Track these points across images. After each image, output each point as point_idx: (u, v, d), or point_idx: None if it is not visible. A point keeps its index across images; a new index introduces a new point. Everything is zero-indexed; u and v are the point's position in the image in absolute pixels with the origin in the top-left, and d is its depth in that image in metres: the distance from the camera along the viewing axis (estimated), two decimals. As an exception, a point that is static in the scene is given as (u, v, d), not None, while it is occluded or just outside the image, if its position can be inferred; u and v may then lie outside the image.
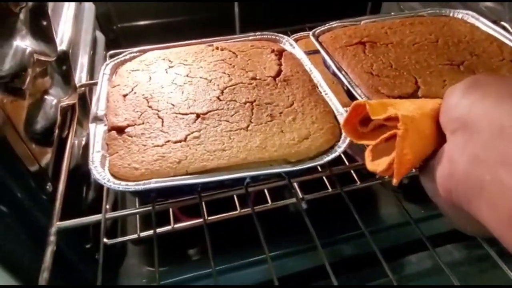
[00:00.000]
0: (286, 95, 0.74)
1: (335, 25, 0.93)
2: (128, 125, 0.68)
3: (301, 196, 0.93)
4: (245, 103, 0.72)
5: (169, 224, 0.88)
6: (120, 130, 0.67)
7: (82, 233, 0.80)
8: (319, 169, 0.74)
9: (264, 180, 0.69)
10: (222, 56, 0.87)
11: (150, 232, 0.88)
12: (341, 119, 0.69)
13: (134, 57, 0.89)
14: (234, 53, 0.88)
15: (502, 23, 0.94)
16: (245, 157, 0.61)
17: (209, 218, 0.85)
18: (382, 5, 1.61)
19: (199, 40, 0.94)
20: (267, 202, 0.92)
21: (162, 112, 0.70)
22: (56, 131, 0.71)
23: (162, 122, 0.68)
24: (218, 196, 0.70)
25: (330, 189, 0.92)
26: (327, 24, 0.93)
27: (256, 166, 0.61)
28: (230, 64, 0.84)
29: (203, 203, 0.67)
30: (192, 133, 0.65)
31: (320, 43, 0.87)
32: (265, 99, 0.73)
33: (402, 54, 0.80)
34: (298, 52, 0.88)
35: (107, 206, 0.69)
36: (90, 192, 0.85)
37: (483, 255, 0.89)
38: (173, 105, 0.72)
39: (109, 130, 0.68)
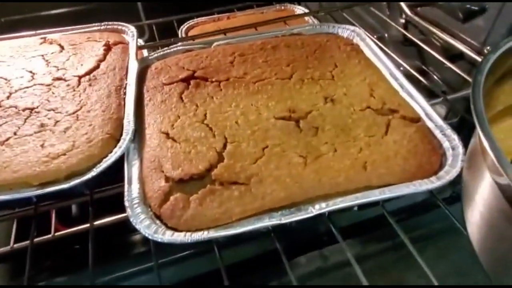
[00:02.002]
0: (79, 99, 0.63)
1: (179, 48, 0.76)
2: None
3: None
4: (24, 109, 0.61)
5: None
6: None
7: None
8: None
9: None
10: (44, 51, 0.76)
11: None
12: (128, 126, 0.57)
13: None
14: (62, 47, 0.77)
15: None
16: (-27, 180, 0.50)
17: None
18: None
19: (34, 32, 0.83)
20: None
21: None
22: None
23: None
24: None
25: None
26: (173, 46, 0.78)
27: (-5, 190, 0.50)
28: (46, 61, 0.73)
29: None
30: None
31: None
32: (52, 104, 0.62)
33: (229, 99, 0.61)
34: (133, 45, 0.76)
35: None
36: None
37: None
38: None
39: None
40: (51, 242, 0.69)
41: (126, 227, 0.54)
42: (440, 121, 0.55)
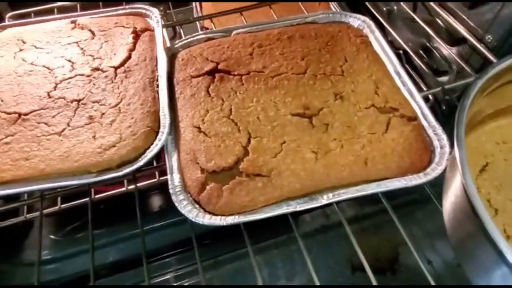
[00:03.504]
0: (118, 91, 0.71)
1: (201, 36, 0.82)
2: (-51, 126, 0.67)
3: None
4: (72, 101, 0.70)
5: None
6: None
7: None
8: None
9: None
10: (77, 38, 0.82)
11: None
12: (164, 120, 0.67)
13: (-9, 36, 0.85)
14: (93, 33, 0.83)
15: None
16: (43, 168, 0.61)
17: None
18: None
19: (63, 15, 0.89)
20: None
21: (-11, 110, 0.69)
22: None
23: (-16, 122, 0.68)
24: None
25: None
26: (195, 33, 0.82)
27: (57, 177, 0.61)
28: (82, 49, 0.80)
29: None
30: (6, 137, 0.65)
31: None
32: (96, 96, 0.71)
33: (251, 94, 0.68)
34: (159, 33, 0.82)
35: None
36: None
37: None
38: (2, 101, 0.71)
39: None
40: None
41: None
42: (434, 121, 0.64)
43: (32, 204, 0.91)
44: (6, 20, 1.15)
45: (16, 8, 1.19)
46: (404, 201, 1.04)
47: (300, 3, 1.01)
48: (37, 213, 0.92)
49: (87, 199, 0.68)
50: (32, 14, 1.14)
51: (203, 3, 1.21)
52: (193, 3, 1.20)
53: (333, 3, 1.12)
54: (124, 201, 0.77)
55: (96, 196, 0.83)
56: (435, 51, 1.10)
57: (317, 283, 0.58)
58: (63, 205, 0.92)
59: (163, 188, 0.70)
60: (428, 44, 1.12)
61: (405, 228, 0.65)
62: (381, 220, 1.06)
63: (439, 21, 1.04)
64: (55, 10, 1.10)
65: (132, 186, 0.72)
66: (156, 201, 1.03)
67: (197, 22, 1.15)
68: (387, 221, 1.11)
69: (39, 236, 0.64)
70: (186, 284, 0.97)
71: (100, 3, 0.98)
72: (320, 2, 1.21)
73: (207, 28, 1.15)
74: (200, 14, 1.18)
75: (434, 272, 0.98)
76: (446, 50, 1.00)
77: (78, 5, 1.06)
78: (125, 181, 0.91)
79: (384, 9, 1.22)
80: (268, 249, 1.03)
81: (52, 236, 1.04)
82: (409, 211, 1.05)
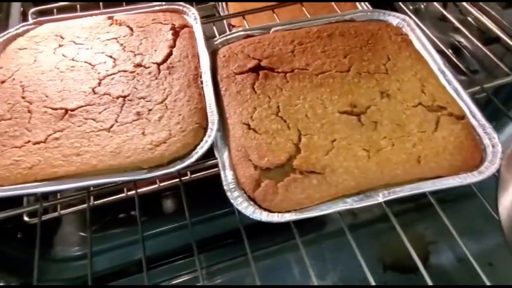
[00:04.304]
0: (163, 88, 0.71)
1: (240, 33, 0.82)
2: (-5, 121, 0.67)
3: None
4: (118, 97, 0.70)
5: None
6: (-13, 126, 0.67)
7: None
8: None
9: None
10: (117, 34, 0.82)
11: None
12: (212, 116, 0.67)
13: (27, 31, 0.85)
14: (131, 29, 0.83)
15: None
16: (96, 164, 0.61)
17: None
18: None
19: (99, 11, 0.88)
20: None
21: (34, 105, 0.69)
22: None
23: (30, 118, 0.67)
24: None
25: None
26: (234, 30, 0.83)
27: (108, 172, 0.61)
28: (122, 45, 0.79)
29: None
30: (55, 132, 0.65)
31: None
32: (141, 92, 0.70)
33: (297, 92, 0.68)
34: (198, 29, 0.82)
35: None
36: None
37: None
38: (47, 96, 0.70)
39: (-24, 125, 0.67)
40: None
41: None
42: (483, 120, 0.64)
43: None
44: (29, 16, 1.15)
45: (38, 4, 1.19)
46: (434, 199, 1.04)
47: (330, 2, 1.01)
48: (71, 209, 0.92)
49: (133, 192, 0.69)
50: (55, 11, 1.14)
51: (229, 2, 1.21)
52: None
53: (361, 2, 1.12)
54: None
55: (139, 190, 0.83)
56: (464, 50, 1.10)
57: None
58: (98, 201, 0.92)
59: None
60: (456, 43, 1.12)
61: (435, 226, 0.66)
62: (410, 219, 1.06)
63: (470, 20, 1.04)
64: (78, 6, 1.11)
65: (176, 180, 0.72)
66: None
67: (224, 20, 1.15)
68: (415, 220, 1.12)
69: (89, 231, 0.64)
70: (218, 281, 0.97)
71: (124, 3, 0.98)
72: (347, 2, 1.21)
73: (233, 26, 1.15)
74: (226, 12, 1.19)
75: (465, 270, 0.98)
76: (478, 49, 1.00)
77: (101, 4, 1.07)
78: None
79: (411, 7, 1.22)
80: (297, 248, 1.03)
81: (81, 233, 1.05)
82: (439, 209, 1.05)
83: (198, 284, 0.96)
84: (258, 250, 1.02)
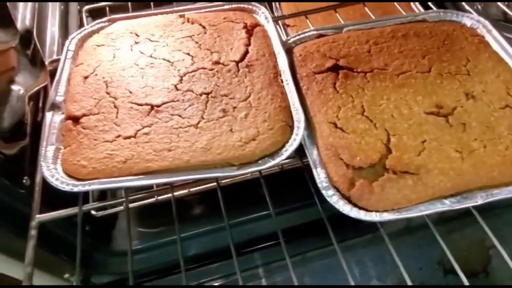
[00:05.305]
0: (244, 85, 0.72)
1: (312, 32, 0.82)
2: (84, 115, 0.68)
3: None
4: (201, 94, 0.70)
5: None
6: (76, 119, 0.68)
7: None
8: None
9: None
10: (190, 32, 0.83)
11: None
12: (297, 115, 0.67)
13: (102, 28, 0.86)
14: (204, 27, 0.84)
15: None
16: (188, 159, 0.62)
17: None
18: None
19: (171, 9, 0.89)
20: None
21: (119, 101, 0.70)
22: (27, 121, 0.71)
23: (117, 112, 0.69)
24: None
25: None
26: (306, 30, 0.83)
27: (199, 168, 0.62)
28: (197, 43, 0.80)
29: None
30: (143, 128, 0.66)
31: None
32: (223, 89, 0.71)
33: (380, 92, 0.68)
34: (271, 28, 0.83)
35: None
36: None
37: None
38: (130, 92, 0.72)
39: (66, 119, 0.69)
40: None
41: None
42: None
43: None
44: (84, 13, 1.18)
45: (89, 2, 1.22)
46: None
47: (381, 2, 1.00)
48: (136, 204, 0.94)
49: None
50: (107, 9, 1.17)
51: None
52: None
53: (415, 3, 1.11)
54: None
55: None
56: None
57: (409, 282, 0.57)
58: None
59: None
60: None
61: (495, 230, 0.64)
62: (468, 223, 1.05)
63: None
64: (129, 5, 1.12)
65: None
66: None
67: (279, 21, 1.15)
68: (475, 223, 1.10)
69: (176, 221, 0.64)
70: (279, 279, 0.97)
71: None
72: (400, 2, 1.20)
73: (288, 25, 1.16)
74: (280, 12, 1.19)
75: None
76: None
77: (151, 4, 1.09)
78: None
79: (468, 8, 1.20)
80: (355, 248, 1.03)
81: (139, 229, 1.06)
82: (497, 213, 1.04)
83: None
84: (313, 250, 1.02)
